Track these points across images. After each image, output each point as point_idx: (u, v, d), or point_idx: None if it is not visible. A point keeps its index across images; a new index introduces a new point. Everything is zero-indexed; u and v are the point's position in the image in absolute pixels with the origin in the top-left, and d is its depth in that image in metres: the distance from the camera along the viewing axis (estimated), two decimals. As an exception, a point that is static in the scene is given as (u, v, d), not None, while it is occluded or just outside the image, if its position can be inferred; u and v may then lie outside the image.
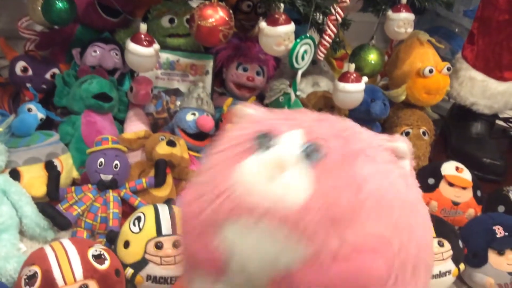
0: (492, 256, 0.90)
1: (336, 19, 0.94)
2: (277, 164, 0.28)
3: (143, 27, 0.96)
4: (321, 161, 0.28)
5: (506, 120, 1.54)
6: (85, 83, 1.05)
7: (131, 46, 0.95)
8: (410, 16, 1.14)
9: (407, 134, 1.20)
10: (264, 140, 0.30)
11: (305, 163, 0.29)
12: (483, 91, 1.25)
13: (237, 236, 0.29)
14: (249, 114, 0.36)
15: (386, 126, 1.26)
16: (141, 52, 0.95)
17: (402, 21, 1.12)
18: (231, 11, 0.94)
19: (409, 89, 1.21)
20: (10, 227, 0.88)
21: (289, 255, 0.27)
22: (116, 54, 1.13)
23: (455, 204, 1.04)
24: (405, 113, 1.22)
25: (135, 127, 1.09)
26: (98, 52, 1.12)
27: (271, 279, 0.27)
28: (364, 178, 0.29)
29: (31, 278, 0.71)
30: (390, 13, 1.14)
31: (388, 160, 0.32)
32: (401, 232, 0.29)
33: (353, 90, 1.03)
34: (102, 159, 0.94)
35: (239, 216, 0.28)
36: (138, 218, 0.84)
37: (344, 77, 1.04)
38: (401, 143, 0.33)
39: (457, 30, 1.65)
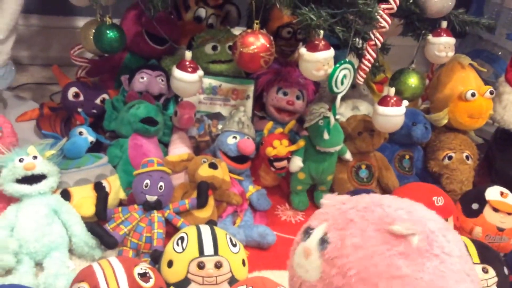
0: (540, 284, 0.87)
1: (375, 44, 0.95)
2: (304, 253, 0.43)
3: (188, 54, 1.00)
4: (325, 250, 0.41)
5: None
6: (133, 108, 1.09)
7: (177, 72, 0.99)
8: (451, 40, 1.14)
9: (449, 158, 1.19)
10: (305, 234, 0.45)
11: (318, 251, 0.42)
12: (527, 114, 1.23)
13: None
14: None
15: (428, 150, 1.25)
16: (186, 78, 0.99)
17: (442, 45, 1.12)
18: (272, 38, 0.97)
19: (451, 113, 1.20)
20: (60, 246, 0.92)
21: None
22: (162, 80, 1.18)
23: (500, 230, 1.02)
24: (447, 137, 1.21)
25: (179, 150, 1.13)
26: (145, 78, 1.17)
27: None
28: (350, 263, 0.39)
29: (81, 294, 0.74)
30: (430, 37, 1.14)
31: (381, 242, 0.40)
32: None
33: (393, 114, 1.03)
34: (148, 181, 0.98)
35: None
36: (181, 238, 0.86)
37: (384, 101, 1.04)
38: (396, 226, 0.40)
39: (500, 53, 1.63)
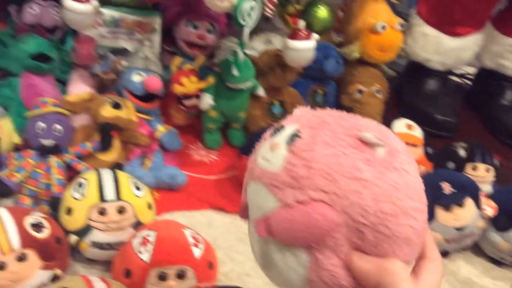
0: (439, 212, 0.91)
1: (283, -27, 0.90)
2: (271, 146, 0.43)
3: (80, -19, 0.90)
4: (293, 144, 0.41)
5: (461, 76, 1.55)
6: (22, 43, 0.99)
7: (67, 2, 0.90)
8: (363, -30, 1.11)
9: (360, 92, 1.19)
10: (275, 131, 0.44)
11: (285, 145, 0.42)
12: (436, 47, 1.24)
13: (249, 193, 0.45)
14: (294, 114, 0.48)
15: (340, 84, 1.25)
16: (77, 9, 0.90)
17: (354, -26, 1.09)
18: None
19: (361, 46, 1.19)
20: None
21: (268, 204, 0.41)
22: (57, 12, 1.07)
23: (406, 161, 1.05)
24: (358, 71, 1.21)
25: (80, 89, 1.04)
26: (36, 9, 1.05)
27: (259, 218, 0.42)
28: (316, 157, 0.40)
29: (-34, 248, 0.68)
30: (341, -34, 1.10)
31: (350, 145, 0.41)
32: (344, 197, 0.40)
33: (303, 48, 1.00)
34: (42, 123, 0.90)
35: (250, 180, 0.44)
36: (80, 184, 0.81)
37: (294, 35, 1.01)
38: (367, 133, 0.42)
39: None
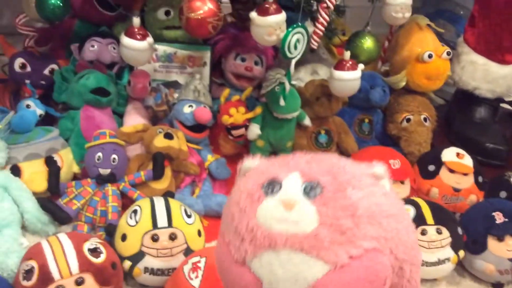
0: (491, 242, 0.89)
1: (328, 7, 0.93)
2: (285, 205, 0.37)
3: (136, 20, 0.96)
4: (319, 196, 0.37)
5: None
6: (83, 78, 1.06)
7: (125, 40, 0.96)
8: (408, 1, 1.11)
9: (408, 120, 1.19)
10: (270, 187, 0.39)
11: (307, 200, 0.37)
12: (484, 75, 1.23)
13: (266, 266, 0.37)
14: (254, 166, 0.45)
15: (387, 113, 1.25)
16: (135, 46, 0.96)
17: (399, 6, 1.10)
18: (220, 2, 0.94)
19: (408, 75, 1.19)
20: (12, 223, 0.90)
21: (310, 271, 0.36)
22: (114, 48, 1.14)
23: (456, 190, 1.03)
24: (405, 100, 1.21)
25: (134, 120, 1.10)
26: (96, 46, 1.13)
27: None
28: (355, 203, 0.37)
29: (29, 272, 0.72)
30: (387, -3, 1.12)
31: (370, 183, 0.40)
32: (390, 238, 0.38)
33: (349, 78, 1.02)
34: (100, 154, 0.95)
35: (262, 251, 0.37)
36: (135, 211, 0.85)
37: (339, 65, 1.03)
38: (378, 168, 0.41)
39: (462, 12, 1.62)
